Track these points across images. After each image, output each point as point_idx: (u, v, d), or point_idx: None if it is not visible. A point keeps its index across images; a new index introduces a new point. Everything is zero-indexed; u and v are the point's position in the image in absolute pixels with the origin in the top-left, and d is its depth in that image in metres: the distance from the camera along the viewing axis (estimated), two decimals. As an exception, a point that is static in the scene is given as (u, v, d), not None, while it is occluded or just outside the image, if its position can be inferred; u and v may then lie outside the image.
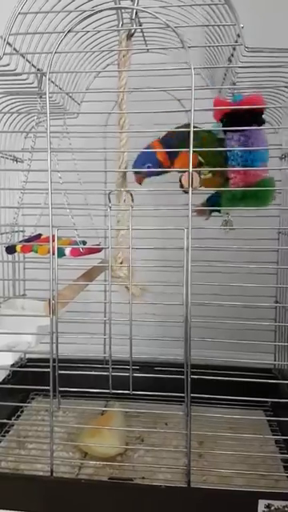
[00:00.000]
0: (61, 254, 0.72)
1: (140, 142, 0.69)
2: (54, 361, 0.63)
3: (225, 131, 0.65)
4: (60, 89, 0.79)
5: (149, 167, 0.65)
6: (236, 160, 0.64)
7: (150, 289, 0.67)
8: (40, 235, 0.82)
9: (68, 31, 0.57)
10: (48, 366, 0.89)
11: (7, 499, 0.64)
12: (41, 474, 0.66)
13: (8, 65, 0.62)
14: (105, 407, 0.91)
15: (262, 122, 0.64)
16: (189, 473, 0.60)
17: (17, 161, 0.95)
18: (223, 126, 0.64)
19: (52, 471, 0.63)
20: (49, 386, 0.71)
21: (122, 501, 0.61)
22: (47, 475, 0.63)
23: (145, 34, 0.77)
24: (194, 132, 0.56)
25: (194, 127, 0.57)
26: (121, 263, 0.67)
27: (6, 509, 0.64)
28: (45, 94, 0.71)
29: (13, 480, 0.65)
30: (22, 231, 0.95)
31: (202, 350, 0.63)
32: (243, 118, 0.62)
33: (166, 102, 0.86)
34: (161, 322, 0.74)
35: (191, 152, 0.56)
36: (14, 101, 0.78)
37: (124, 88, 0.64)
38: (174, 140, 0.63)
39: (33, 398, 0.96)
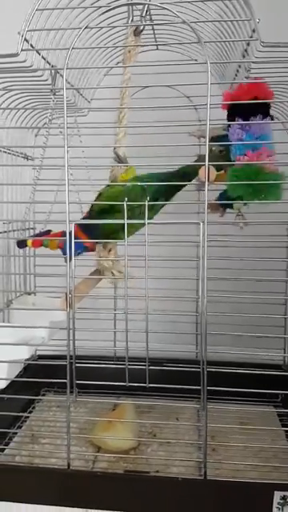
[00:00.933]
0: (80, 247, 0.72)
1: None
2: (71, 357, 0.63)
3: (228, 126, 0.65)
4: (72, 86, 0.80)
5: (79, 253, 0.68)
6: (240, 149, 0.64)
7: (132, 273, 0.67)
8: (49, 231, 0.83)
9: (85, 27, 0.58)
10: (58, 364, 0.91)
11: (25, 492, 0.64)
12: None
13: (25, 61, 0.62)
14: (115, 404, 0.91)
15: (266, 113, 0.64)
16: (205, 465, 0.60)
17: (27, 158, 0.96)
18: (227, 117, 0.65)
19: (69, 464, 0.63)
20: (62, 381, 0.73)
21: (138, 493, 0.61)
22: (64, 468, 0.63)
23: (155, 31, 0.78)
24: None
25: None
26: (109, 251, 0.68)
27: (24, 502, 0.65)
28: (58, 90, 0.73)
29: (30, 473, 0.65)
30: (32, 228, 0.96)
31: (212, 346, 0.64)
32: (248, 107, 0.62)
33: (174, 100, 0.88)
34: (173, 316, 0.75)
35: (207, 146, 0.56)
36: (24, 97, 0.78)
37: (127, 84, 0.64)
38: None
39: (44, 395, 0.97)
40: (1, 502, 0.66)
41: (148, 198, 0.61)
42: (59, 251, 0.74)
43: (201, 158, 0.74)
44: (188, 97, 0.90)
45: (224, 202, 0.71)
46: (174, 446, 0.77)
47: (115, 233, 0.67)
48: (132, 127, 0.72)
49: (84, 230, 0.67)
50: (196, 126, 0.85)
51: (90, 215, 0.72)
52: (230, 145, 0.64)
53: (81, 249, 0.68)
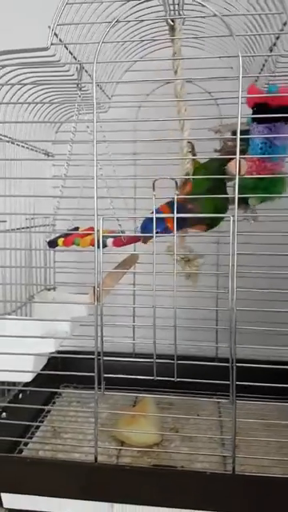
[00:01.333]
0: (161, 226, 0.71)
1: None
2: (98, 353, 0.63)
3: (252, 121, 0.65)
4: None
5: (158, 232, 0.64)
6: (255, 151, 0.64)
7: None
8: (77, 228, 0.83)
9: (116, 20, 0.58)
10: (77, 359, 0.91)
11: (51, 486, 0.64)
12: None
13: (54, 55, 0.62)
14: (136, 399, 0.92)
15: None
16: (234, 460, 0.60)
17: (48, 155, 0.96)
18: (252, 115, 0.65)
19: (96, 458, 0.63)
20: (81, 378, 0.72)
21: (166, 487, 0.61)
22: (92, 462, 0.63)
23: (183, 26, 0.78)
24: None
25: None
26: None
27: (50, 496, 0.65)
28: (84, 85, 0.73)
29: (57, 467, 0.66)
30: (52, 225, 0.96)
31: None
32: (272, 110, 0.62)
33: (193, 96, 0.88)
34: (191, 313, 0.74)
35: (238, 139, 0.56)
36: (48, 92, 0.78)
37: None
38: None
39: (64, 390, 0.97)
40: (27, 496, 0.66)
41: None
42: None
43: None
44: (209, 92, 0.90)
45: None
46: (197, 441, 0.77)
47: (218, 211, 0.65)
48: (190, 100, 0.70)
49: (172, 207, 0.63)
50: (217, 122, 0.87)
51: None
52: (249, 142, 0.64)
53: (161, 228, 0.65)
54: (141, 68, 0.85)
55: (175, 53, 0.68)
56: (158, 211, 0.64)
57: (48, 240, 0.78)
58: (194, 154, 0.70)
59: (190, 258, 0.68)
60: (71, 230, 0.78)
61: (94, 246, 0.69)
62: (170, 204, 0.63)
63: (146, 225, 0.66)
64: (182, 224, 0.66)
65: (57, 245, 0.76)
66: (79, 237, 0.78)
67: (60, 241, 0.76)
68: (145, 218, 0.66)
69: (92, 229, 0.73)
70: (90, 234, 0.73)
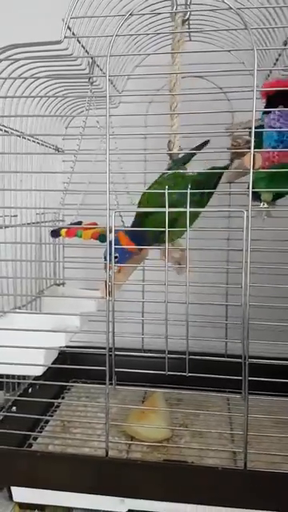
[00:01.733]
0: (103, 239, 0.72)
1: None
2: (110, 349, 0.63)
3: (267, 112, 0.64)
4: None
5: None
6: (270, 142, 0.63)
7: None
8: (80, 222, 0.83)
9: (130, 14, 0.58)
10: (86, 355, 0.91)
11: (62, 480, 0.64)
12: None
13: (67, 49, 0.62)
14: (145, 394, 0.92)
15: None
16: (245, 455, 0.60)
17: (58, 150, 0.96)
18: (265, 106, 0.64)
19: (107, 452, 0.63)
20: (90, 373, 0.72)
21: (177, 482, 0.61)
22: (102, 456, 0.63)
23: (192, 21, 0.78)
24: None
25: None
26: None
27: (62, 490, 0.65)
28: (95, 79, 0.73)
29: (68, 461, 0.66)
30: (62, 220, 0.96)
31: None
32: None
33: (204, 91, 0.87)
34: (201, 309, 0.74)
35: (253, 133, 0.56)
36: (58, 86, 0.78)
37: (177, 74, 0.64)
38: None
39: (72, 385, 0.97)
40: (37, 490, 0.66)
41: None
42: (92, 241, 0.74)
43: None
44: (221, 88, 0.90)
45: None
46: (207, 437, 0.77)
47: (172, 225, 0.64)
48: (183, 113, 0.70)
49: (131, 237, 0.66)
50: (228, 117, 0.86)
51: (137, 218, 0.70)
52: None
53: (128, 255, 0.68)
54: (151, 63, 0.85)
55: (173, 48, 0.68)
56: (116, 241, 0.64)
57: (52, 229, 0.78)
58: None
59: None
60: (74, 224, 0.78)
61: (95, 239, 0.71)
62: (127, 232, 0.66)
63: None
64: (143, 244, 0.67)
65: (59, 235, 0.77)
66: (82, 229, 0.78)
67: (63, 231, 0.77)
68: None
69: (94, 224, 0.74)
70: (93, 227, 0.73)
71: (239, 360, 0.60)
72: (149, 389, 0.88)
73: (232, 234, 0.87)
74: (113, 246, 0.63)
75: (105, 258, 0.66)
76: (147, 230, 0.65)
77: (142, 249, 0.69)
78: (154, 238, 0.66)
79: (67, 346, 0.94)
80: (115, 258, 0.64)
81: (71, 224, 0.83)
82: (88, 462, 0.65)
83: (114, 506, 0.64)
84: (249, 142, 0.71)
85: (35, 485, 0.66)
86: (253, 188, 0.57)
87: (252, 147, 0.56)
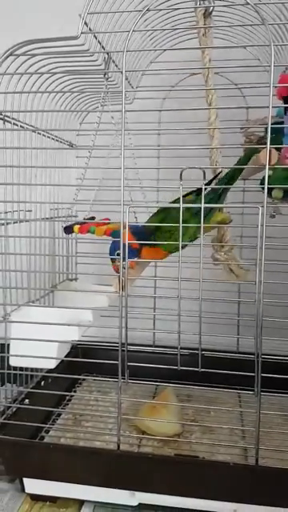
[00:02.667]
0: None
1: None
2: (123, 344, 0.63)
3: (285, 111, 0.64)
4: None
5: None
6: None
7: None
8: (93, 218, 0.83)
9: (147, 9, 0.58)
10: (97, 350, 0.92)
11: (74, 473, 0.65)
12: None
13: (83, 44, 0.62)
14: (156, 390, 0.92)
15: None
16: (257, 451, 0.60)
17: (72, 145, 0.97)
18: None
19: (119, 445, 0.63)
20: (102, 368, 0.73)
21: (188, 477, 0.62)
22: (114, 449, 0.64)
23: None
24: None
25: None
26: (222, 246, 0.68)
27: (73, 482, 0.65)
28: (111, 75, 0.73)
29: (81, 453, 0.66)
30: (75, 216, 0.97)
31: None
32: None
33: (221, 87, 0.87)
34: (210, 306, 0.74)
35: (269, 129, 0.55)
36: (73, 82, 0.78)
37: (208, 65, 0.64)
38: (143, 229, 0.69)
39: (84, 379, 0.98)
40: (49, 482, 0.67)
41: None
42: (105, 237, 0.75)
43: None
44: (236, 84, 0.89)
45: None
46: (218, 434, 0.77)
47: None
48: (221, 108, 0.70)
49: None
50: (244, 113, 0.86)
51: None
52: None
53: (134, 255, 0.69)
54: (166, 59, 0.85)
55: (199, 42, 0.68)
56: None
57: (64, 226, 0.79)
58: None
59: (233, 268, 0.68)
60: (87, 220, 0.79)
61: (108, 235, 0.71)
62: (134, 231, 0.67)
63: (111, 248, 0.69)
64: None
65: (72, 231, 0.77)
66: (95, 225, 0.79)
67: (76, 227, 0.77)
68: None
69: (107, 219, 0.74)
70: (106, 223, 0.73)
71: (252, 357, 0.60)
72: (161, 383, 0.88)
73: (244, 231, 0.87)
74: (121, 242, 0.63)
75: (110, 253, 0.68)
76: (148, 228, 0.67)
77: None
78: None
79: (79, 341, 0.95)
80: (117, 254, 0.65)
81: (84, 219, 0.83)
82: (100, 455, 0.65)
83: (124, 499, 0.65)
84: (262, 138, 0.71)
85: (47, 477, 0.67)
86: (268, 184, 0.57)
87: (268, 143, 0.55)
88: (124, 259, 0.63)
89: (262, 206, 0.57)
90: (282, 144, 0.62)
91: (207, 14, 0.63)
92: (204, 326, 0.65)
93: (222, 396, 0.87)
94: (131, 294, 0.65)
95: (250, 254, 0.64)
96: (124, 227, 0.62)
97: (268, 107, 0.57)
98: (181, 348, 0.64)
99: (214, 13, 0.73)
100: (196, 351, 0.62)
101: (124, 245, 0.63)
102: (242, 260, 0.67)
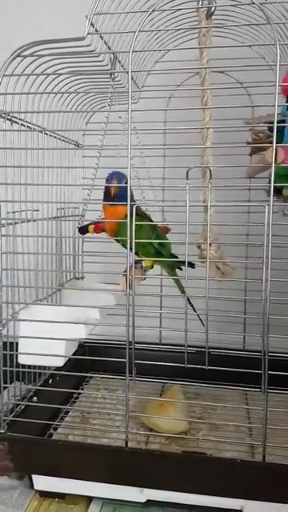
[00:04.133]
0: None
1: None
2: (130, 342, 0.64)
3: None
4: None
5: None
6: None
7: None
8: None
9: (153, 10, 0.58)
10: (104, 348, 0.92)
11: (83, 470, 0.66)
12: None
13: (90, 45, 0.63)
14: (162, 388, 0.92)
15: None
16: (264, 448, 0.60)
17: (78, 145, 0.97)
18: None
19: (127, 443, 0.64)
20: (109, 366, 0.73)
21: (196, 473, 0.62)
22: (122, 446, 0.64)
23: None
24: None
25: None
26: (210, 244, 0.68)
27: (82, 479, 0.66)
28: (117, 75, 0.74)
29: (89, 450, 0.67)
30: (82, 215, 0.97)
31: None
32: None
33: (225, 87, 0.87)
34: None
35: (275, 127, 0.56)
36: (80, 82, 0.79)
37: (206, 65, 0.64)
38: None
39: (91, 377, 0.98)
40: (58, 478, 0.67)
41: None
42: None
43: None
44: (241, 83, 0.90)
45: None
46: (224, 431, 0.77)
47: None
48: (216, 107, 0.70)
49: None
50: (248, 112, 0.86)
51: None
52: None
53: None
54: (171, 58, 0.85)
55: (199, 42, 0.68)
56: None
57: (79, 226, 0.80)
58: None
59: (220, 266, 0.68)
60: (101, 220, 0.79)
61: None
62: None
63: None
64: None
65: (87, 231, 0.78)
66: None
67: (90, 227, 0.78)
68: None
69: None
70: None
71: (259, 354, 0.60)
72: (168, 381, 0.89)
73: (250, 229, 0.87)
74: (133, 240, 0.64)
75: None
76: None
77: None
78: None
79: (86, 340, 0.95)
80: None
81: (97, 220, 0.84)
82: (108, 452, 0.66)
83: (133, 495, 0.65)
84: (270, 136, 0.71)
85: (56, 474, 0.67)
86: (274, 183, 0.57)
87: (274, 141, 0.56)
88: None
89: (268, 205, 0.57)
90: (282, 142, 0.63)
91: (209, 14, 0.63)
92: (212, 324, 0.65)
93: (228, 394, 0.88)
94: (138, 292, 0.66)
95: (255, 252, 0.64)
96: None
97: (273, 106, 0.58)
98: (188, 346, 0.64)
99: (218, 12, 0.74)
100: (201, 349, 0.62)
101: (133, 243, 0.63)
102: (229, 258, 0.67)
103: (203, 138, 0.65)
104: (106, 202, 0.73)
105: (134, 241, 0.63)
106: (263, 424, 0.61)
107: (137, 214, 0.66)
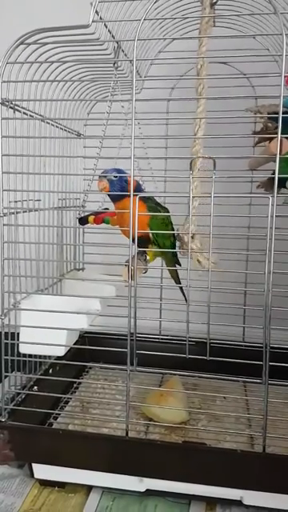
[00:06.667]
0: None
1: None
2: (131, 333, 0.64)
3: None
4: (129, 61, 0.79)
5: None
6: None
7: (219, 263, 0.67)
8: (107, 209, 0.84)
9: (158, -3, 0.58)
10: (104, 339, 0.93)
11: (83, 459, 0.66)
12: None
13: (94, 33, 0.62)
14: (162, 379, 0.93)
15: None
16: (264, 439, 0.61)
17: (79, 136, 0.97)
18: None
19: (127, 432, 0.64)
20: (109, 357, 0.73)
21: (196, 463, 0.63)
22: (122, 436, 0.65)
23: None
24: None
25: None
26: (192, 237, 0.68)
27: (82, 468, 0.66)
28: (120, 64, 0.73)
29: (90, 439, 0.67)
30: (83, 206, 0.97)
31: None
32: None
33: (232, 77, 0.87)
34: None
35: (280, 119, 0.55)
36: (83, 71, 0.78)
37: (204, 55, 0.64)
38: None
39: (90, 368, 0.98)
40: (58, 467, 0.68)
41: None
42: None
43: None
44: (244, 74, 0.89)
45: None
46: (224, 422, 0.78)
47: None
48: (209, 98, 0.70)
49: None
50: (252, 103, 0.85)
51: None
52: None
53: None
54: (174, 49, 0.85)
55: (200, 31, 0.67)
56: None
57: (79, 217, 0.79)
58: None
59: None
60: (101, 211, 0.79)
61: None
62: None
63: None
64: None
65: (87, 222, 0.78)
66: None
67: (91, 218, 0.77)
68: None
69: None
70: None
71: (260, 345, 0.61)
72: (168, 371, 0.89)
73: (252, 221, 0.87)
74: (136, 231, 0.63)
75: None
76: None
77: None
78: None
79: (86, 331, 0.96)
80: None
81: (98, 211, 0.84)
82: (109, 442, 0.66)
83: (132, 485, 0.66)
84: (277, 127, 0.71)
85: (56, 462, 0.68)
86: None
87: (279, 132, 0.56)
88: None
89: (272, 196, 0.57)
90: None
91: (213, 3, 0.63)
92: (212, 316, 0.65)
93: (227, 385, 0.88)
94: (139, 283, 0.66)
95: (258, 245, 0.64)
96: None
97: (278, 97, 0.58)
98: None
99: (221, 2, 0.73)
100: (202, 340, 0.62)
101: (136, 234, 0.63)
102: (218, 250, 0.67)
103: (195, 128, 0.65)
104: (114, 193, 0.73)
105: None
106: (263, 415, 0.61)
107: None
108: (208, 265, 0.66)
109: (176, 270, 0.82)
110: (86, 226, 0.84)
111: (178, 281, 0.83)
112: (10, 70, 0.65)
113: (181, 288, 0.79)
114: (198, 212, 0.66)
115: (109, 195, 0.74)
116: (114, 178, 0.71)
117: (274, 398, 0.75)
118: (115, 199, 0.73)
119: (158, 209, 0.74)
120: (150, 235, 0.71)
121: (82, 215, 0.80)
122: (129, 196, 0.61)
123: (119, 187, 0.72)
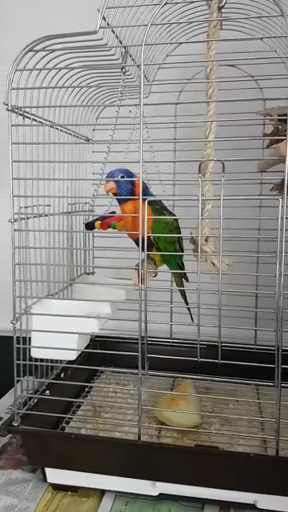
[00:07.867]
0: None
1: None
2: (142, 337, 0.64)
3: None
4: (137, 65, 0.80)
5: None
6: None
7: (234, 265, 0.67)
8: (114, 213, 0.84)
9: (165, 3, 0.58)
10: (115, 343, 0.93)
11: (96, 463, 0.66)
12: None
13: (101, 39, 0.63)
14: (173, 383, 0.92)
15: None
16: (277, 442, 0.60)
17: (88, 141, 0.97)
18: None
19: (139, 436, 0.64)
20: (120, 361, 0.73)
21: (209, 467, 0.62)
22: (135, 440, 0.65)
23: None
24: None
25: None
26: (206, 240, 0.67)
27: (95, 472, 0.66)
28: (128, 69, 0.73)
29: (102, 444, 0.67)
30: (92, 211, 0.97)
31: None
32: None
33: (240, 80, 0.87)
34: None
35: (289, 121, 0.55)
36: (91, 77, 0.79)
37: (213, 59, 0.64)
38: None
39: (102, 372, 0.99)
40: (71, 472, 0.68)
41: None
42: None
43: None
44: (252, 76, 0.89)
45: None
46: (237, 425, 0.77)
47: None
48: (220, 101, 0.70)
49: None
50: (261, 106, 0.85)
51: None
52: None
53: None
54: (181, 52, 0.85)
55: (208, 35, 0.67)
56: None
57: (85, 222, 0.80)
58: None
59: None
60: (108, 215, 0.79)
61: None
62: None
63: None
64: None
65: (94, 227, 0.78)
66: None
67: (97, 223, 0.78)
68: None
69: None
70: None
71: (272, 348, 0.60)
72: (179, 375, 0.89)
73: (262, 224, 0.87)
74: (145, 236, 0.64)
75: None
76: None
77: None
78: None
79: (97, 335, 0.96)
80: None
81: (105, 215, 0.84)
82: (121, 446, 0.66)
83: (145, 489, 0.66)
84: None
85: (69, 467, 0.68)
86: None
87: (287, 134, 0.55)
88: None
89: (282, 198, 0.57)
90: None
91: (220, 7, 0.63)
92: (223, 319, 0.65)
93: (239, 389, 0.88)
94: (149, 287, 0.66)
95: (268, 247, 0.64)
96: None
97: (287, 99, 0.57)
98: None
99: (229, 5, 0.73)
100: (213, 343, 0.62)
101: (143, 238, 0.63)
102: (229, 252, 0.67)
103: (206, 132, 0.65)
104: (120, 197, 0.73)
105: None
106: (277, 418, 0.60)
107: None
108: (222, 267, 0.66)
109: (180, 276, 0.81)
110: (93, 230, 0.84)
111: (180, 284, 0.82)
112: (18, 77, 0.65)
113: (182, 292, 0.80)
114: (210, 215, 0.66)
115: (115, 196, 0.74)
116: (121, 180, 0.71)
117: (287, 400, 0.74)
118: (121, 200, 0.73)
119: (164, 212, 0.74)
120: (151, 238, 0.71)
121: (89, 220, 0.80)
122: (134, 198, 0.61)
123: (126, 189, 0.72)
